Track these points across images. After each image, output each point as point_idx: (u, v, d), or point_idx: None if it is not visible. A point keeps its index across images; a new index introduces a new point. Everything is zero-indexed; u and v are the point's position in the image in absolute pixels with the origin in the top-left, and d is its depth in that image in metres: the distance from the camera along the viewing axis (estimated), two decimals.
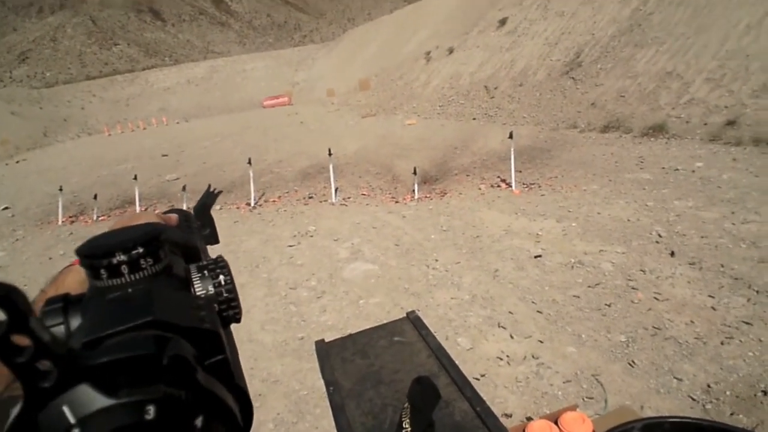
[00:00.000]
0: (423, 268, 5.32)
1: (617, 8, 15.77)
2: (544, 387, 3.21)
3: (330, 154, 9.04)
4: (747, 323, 3.51)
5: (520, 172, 8.62)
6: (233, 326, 0.41)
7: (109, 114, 43.17)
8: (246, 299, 5.10)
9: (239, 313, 0.38)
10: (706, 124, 9.70)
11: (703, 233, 5.16)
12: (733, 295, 3.90)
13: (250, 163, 9.41)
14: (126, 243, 0.32)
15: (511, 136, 8.11)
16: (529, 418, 2.85)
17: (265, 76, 48.56)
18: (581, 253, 5.12)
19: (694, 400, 2.89)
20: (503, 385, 3.28)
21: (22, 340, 0.22)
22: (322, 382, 1.52)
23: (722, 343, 3.35)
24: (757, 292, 3.89)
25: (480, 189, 8.14)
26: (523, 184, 8.07)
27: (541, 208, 6.74)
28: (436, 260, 5.48)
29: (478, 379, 3.33)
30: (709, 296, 3.95)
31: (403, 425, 1.14)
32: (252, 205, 8.97)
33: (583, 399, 3.04)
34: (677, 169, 7.58)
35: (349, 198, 8.70)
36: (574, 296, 4.29)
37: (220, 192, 0.76)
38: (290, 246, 6.56)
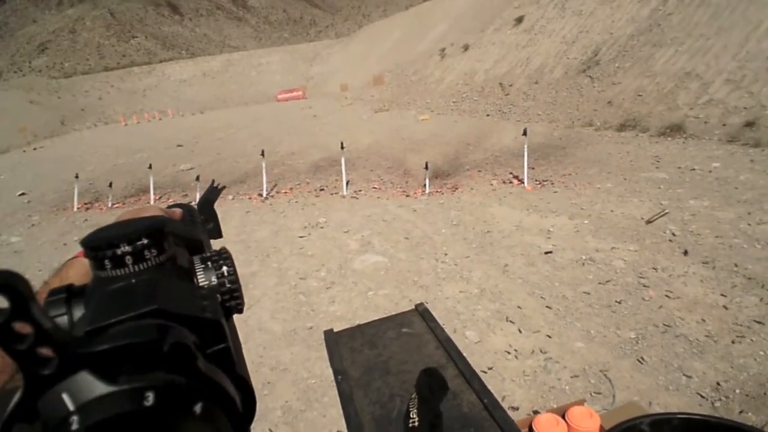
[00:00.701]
0: (432, 262, 5.31)
1: (636, 8, 15.55)
2: (551, 381, 3.20)
3: (342, 148, 9.06)
4: (759, 322, 3.46)
5: (533, 168, 8.56)
6: (237, 317, 0.41)
7: (125, 104, 43.66)
8: (257, 288, 5.15)
9: (242, 304, 0.39)
10: (724, 124, 9.55)
11: (718, 233, 5.09)
12: (745, 295, 3.84)
13: (263, 154, 9.46)
14: (130, 234, 0.32)
15: (525, 133, 8.06)
16: (536, 412, 2.83)
17: (280, 71, 48.73)
18: (593, 250, 5.08)
19: (703, 397, 2.86)
20: (510, 379, 3.27)
21: (23, 327, 0.22)
22: (330, 371, 1.52)
23: (733, 342, 3.30)
24: None
25: (492, 185, 8.11)
26: (536, 180, 8.01)
27: (553, 204, 6.69)
28: (446, 254, 5.48)
29: (485, 372, 3.32)
30: (722, 295, 3.90)
31: (411, 415, 1.15)
32: (264, 196, 9.03)
33: (590, 394, 3.03)
34: (694, 169, 7.48)
35: (360, 191, 8.71)
36: (585, 292, 4.26)
37: (223, 187, 0.76)
38: (301, 237, 6.60)
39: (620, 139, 10.56)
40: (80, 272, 0.40)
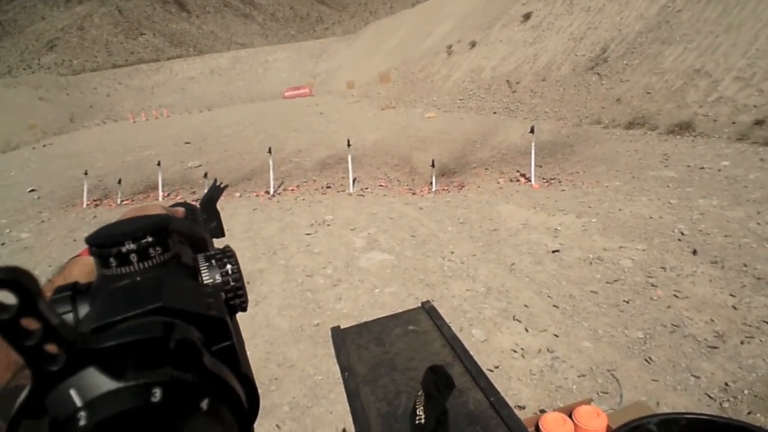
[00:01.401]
0: (438, 260, 5.31)
1: (645, 5, 15.41)
2: (558, 381, 3.19)
3: (349, 145, 9.07)
4: None
5: (541, 167, 8.52)
6: (243, 314, 0.42)
7: (134, 101, 43.89)
8: (264, 285, 5.17)
9: (246, 302, 0.39)
10: (734, 122, 9.45)
11: (727, 232, 5.05)
12: (755, 295, 3.82)
13: (270, 152, 9.48)
14: (135, 232, 0.33)
15: (532, 131, 8.02)
16: (543, 411, 2.84)
17: (287, 68, 48.78)
18: (601, 249, 5.06)
19: (711, 398, 2.85)
20: (517, 378, 3.27)
21: (31, 323, 0.22)
22: (336, 367, 1.53)
23: (742, 342, 3.28)
24: None
25: (498, 183, 8.09)
26: (543, 179, 7.98)
27: (560, 203, 6.67)
28: (452, 252, 5.47)
29: (491, 371, 3.32)
30: (731, 295, 3.87)
31: (417, 412, 1.15)
32: (271, 193, 9.06)
33: (597, 394, 3.02)
34: (703, 168, 7.42)
35: (366, 189, 8.72)
36: (592, 292, 4.25)
37: (226, 186, 0.77)
38: (308, 234, 6.61)
39: (628, 137, 10.49)
40: (84, 270, 0.40)
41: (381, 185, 8.86)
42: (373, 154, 11.38)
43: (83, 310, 0.32)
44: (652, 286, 4.21)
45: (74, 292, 0.33)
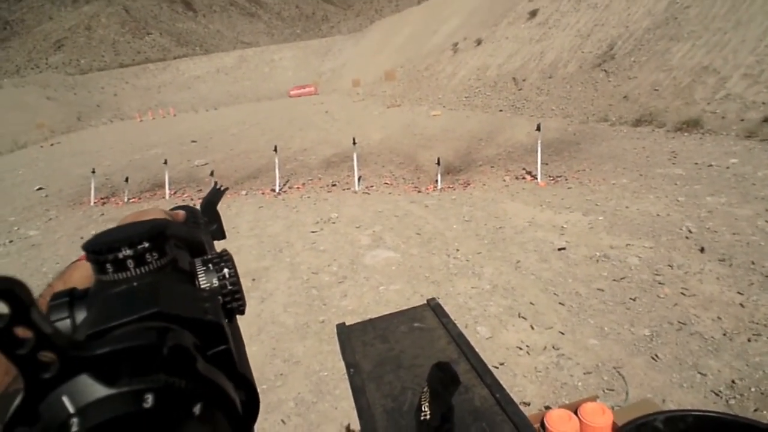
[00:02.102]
0: (444, 257, 5.31)
1: (653, 1, 15.31)
2: (564, 378, 3.18)
3: (354, 143, 9.07)
4: None
5: (547, 164, 8.49)
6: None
7: (140, 100, 44.15)
8: (269, 282, 5.19)
9: (243, 305, 0.39)
10: (742, 120, 9.37)
11: (735, 230, 5.01)
12: (762, 293, 3.78)
13: (275, 150, 9.50)
14: (132, 238, 0.33)
15: (538, 128, 7.99)
16: (548, 407, 2.83)
17: (293, 66, 48.88)
18: (607, 247, 5.03)
19: (717, 395, 2.83)
20: (522, 375, 3.27)
21: (24, 332, 0.22)
22: (342, 364, 1.53)
23: (749, 340, 3.26)
24: None
25: (504, 180, 8.06)
26: (549, 176, 7.95)
27: (567, 200, 6.64)
28: (458, 250, 5.46)
29: (497, 368, 3.32)
30: (738, 293, 3.84)
31: (423, 408, 1.15)
32: (277, 191, 9.08)
33: (603, 391, 3.01)
34: (711, 165, 7.36)
35: (372, 186, 8.72)
36: (598, 289, 4.23)
37: (226, 189, 0.77)
38: (313, 232, 6.63)
39: (636, 134, 10.42)
40: (83, 275, 0.41)
41: (386, 183, 8.86)
42: (379, 152, 11.38)
43: (80, 315, 0.32)
44: (659, 283, 4.18)
45: (71, 298, 0.33)
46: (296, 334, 4.11)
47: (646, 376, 3.08)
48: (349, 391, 1.38)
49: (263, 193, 9.15)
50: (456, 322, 1.68)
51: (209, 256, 0.40)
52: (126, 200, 9.88)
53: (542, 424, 1.34)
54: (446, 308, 1.78)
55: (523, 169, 8.57)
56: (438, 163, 8.19)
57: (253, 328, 4.24)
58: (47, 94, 39.50)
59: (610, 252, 4.90)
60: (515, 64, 19.26)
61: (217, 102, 40.32)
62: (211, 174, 9.31)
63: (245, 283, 5.15)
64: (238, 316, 0.41)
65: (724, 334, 3.37)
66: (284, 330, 4.20)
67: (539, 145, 7.92)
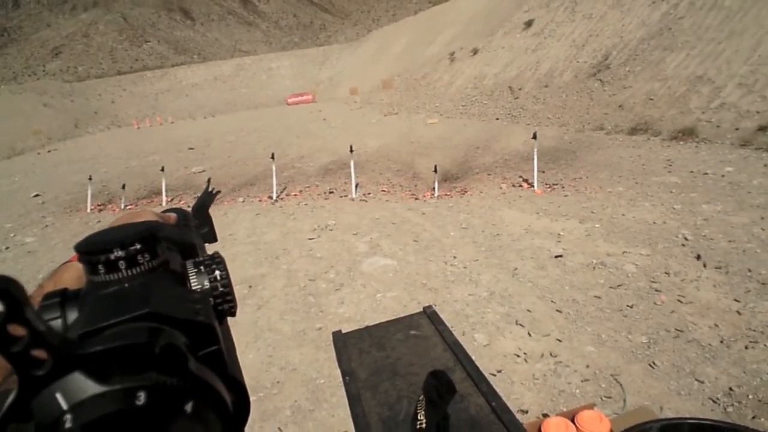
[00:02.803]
0: (441, 265, 5.30)
1: (647, 12, 15.46)
2: (561, 385, 3.17)
3: (351, 151, 9.09)
4: None
5: (543, 172, 8.52)
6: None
7: (138, 108, 44.16)
8: (266, 289, 5.17)
9: (234, 307, 0.39)
10: (737, 128, 9.45)
11: (731, 238, 5.04)
12: (759, 300, 3.80)
13: (273, 157, 9.51)
14: (124, 239, 0.33)
15: (534, 137, 8.04)
16: (545, 415, 2.82)
17: (290, 75, 49.08)
18: (604, 254, 5.04)
19: (715, 402, 2.83)
20: (519, 382, 3.26)
21: (18, 330, 0.23)
22: (338, 371, 1.53)
23: (746, 347, 3.26)
24: None
25: (501, 188, 8.08)
26: (546, 184, 7.98)
27: (563, 208, 6.66)
28: (455, 257, 5.46)
29: (494, 375, 3.31)
30: (735, 300, 3.85)
31: (418, 417, 1.15)
32: (274, 198, 9.08)
33: (601, 398, 3.00)
34: (706, 174, 7.40)
35: (369, 194, 8.73)
36: (595, 296, 4.23)
37: (218, 192, 0.77)
38: (310, 239, 6.62)
39: (631, 142, 10.49)
40: (74, 276, 0.41)
41: (383, 190, 8.87)
42: (376, 160, 11.40)
43: (72, 316, 0.33)
44: (656, 291, 4.19)
45: (63, 298, 0.33)
46: (293, 342, 4.09)
47: (643, 383, 3.07)
48: (346, 399, 1.37)
49: (260, 201, 9.15)
50: (453, 329, 1.68)
51: (201, 259, 0.40)
52: (123, 207, 9.85)
53: None
54: (443, 315, 1.78)
55: (520, 176, 8.60)
56: (435, 171, 8.21)
57: (249, 335, 4.22)
58: (44, 101, 39.47)
59: (606, 259, 4.91)
60: (511, 73, 19.39)
61: (215, 109, 40.36)
62: (208, 181, 9.24)
63: (241, 291, 5.13)
64: (235, 322, 0.41)
65: (722, 342, 3.37)
66: (281, 337, 4.18)
67: (536, 153, 7.96)
